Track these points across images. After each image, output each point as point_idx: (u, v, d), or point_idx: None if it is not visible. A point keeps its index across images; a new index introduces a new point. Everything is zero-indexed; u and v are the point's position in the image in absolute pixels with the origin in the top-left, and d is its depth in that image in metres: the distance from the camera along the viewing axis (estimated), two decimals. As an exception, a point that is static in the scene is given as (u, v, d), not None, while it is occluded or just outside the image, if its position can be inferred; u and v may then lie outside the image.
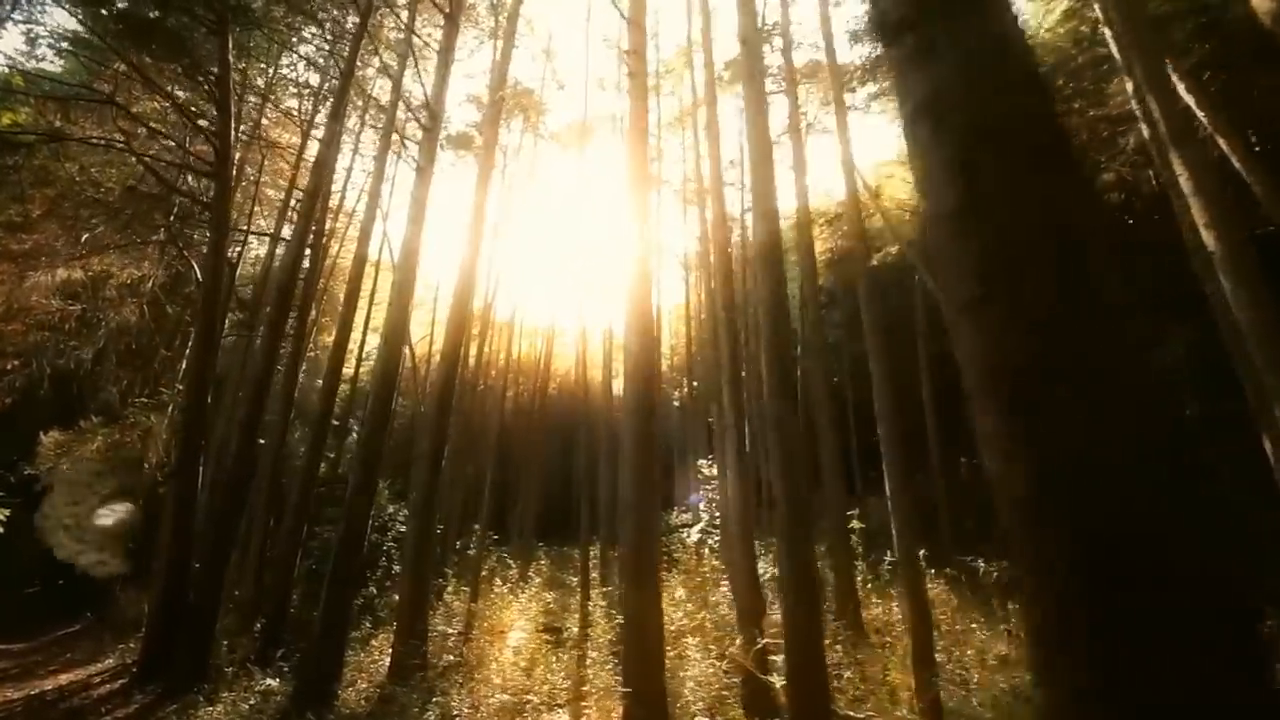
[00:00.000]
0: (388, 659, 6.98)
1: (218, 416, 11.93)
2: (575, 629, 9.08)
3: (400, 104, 10.40)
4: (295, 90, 13.37)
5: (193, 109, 9.45)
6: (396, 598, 8.37)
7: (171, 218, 9.86)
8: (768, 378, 4.64)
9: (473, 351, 17.89)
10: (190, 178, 9.54)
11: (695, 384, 22.19)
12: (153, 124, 8.94)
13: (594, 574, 13.50)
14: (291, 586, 8.74)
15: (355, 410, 24.31)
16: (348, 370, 25.52)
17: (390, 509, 11.72)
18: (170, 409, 9.84)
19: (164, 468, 9.75)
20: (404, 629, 6.52)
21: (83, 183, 9.27)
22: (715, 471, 18.73)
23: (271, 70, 12.54)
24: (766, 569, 11.37)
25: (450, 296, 12.46)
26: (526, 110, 20.85)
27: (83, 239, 8.90)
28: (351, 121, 15.03)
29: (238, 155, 10.74)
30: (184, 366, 10.40)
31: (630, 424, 4.96)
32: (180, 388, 10.09)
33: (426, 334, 21.69)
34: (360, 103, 14.67)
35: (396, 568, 11.33)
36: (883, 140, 20.88)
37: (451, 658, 7.01)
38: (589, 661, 7.03)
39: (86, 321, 10.46)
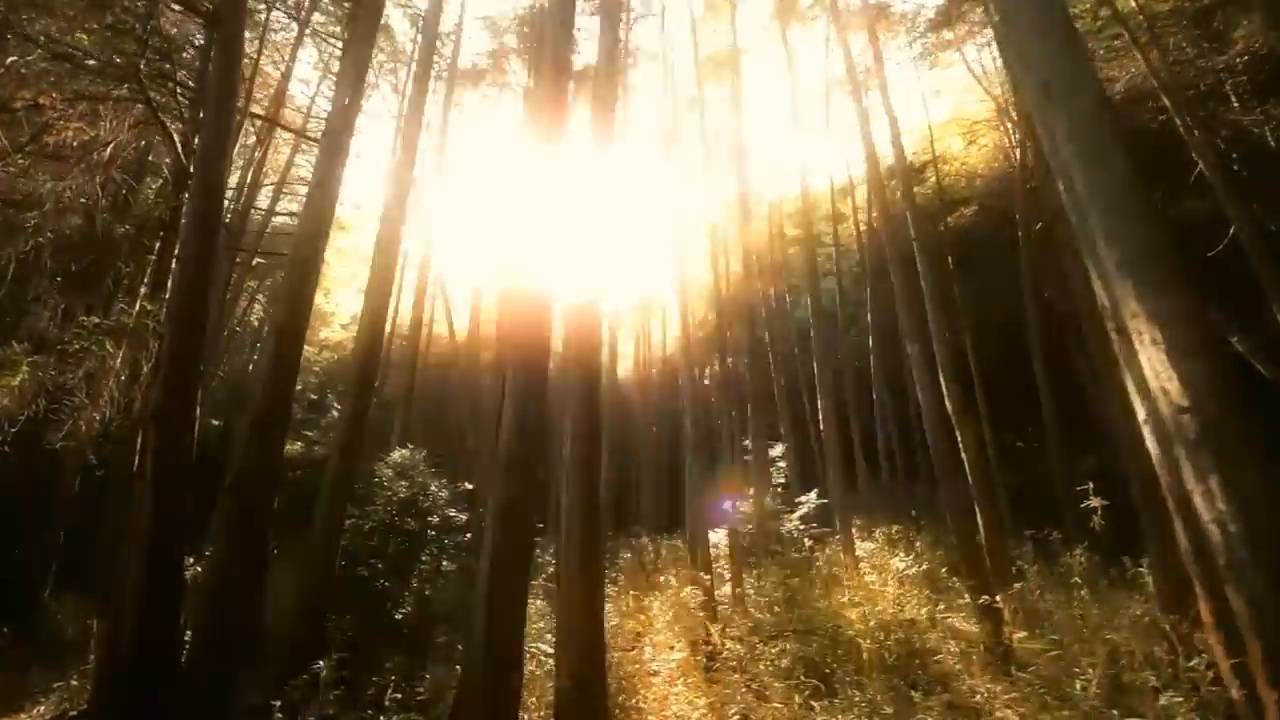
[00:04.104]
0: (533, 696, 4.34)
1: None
2: (727, 644, 6.60)
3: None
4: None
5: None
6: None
7: (144, 64, 6.79)
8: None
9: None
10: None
11: (729, 360, 19.99)
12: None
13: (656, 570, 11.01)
14: (329, 598, 5.91)
15: (336, 384, 20.91)
16: (329, 336, 22.00)
17: (432, 488, 8.87)
18: (130, 329, 6.74)
19: (126, 412, 6.72)
20: (576, 654, 3.91)
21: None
22: (780, 453, 16.45)
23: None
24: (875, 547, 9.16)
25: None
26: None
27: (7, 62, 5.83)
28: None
29: None
30: (157, 268, 7.32)
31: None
32: (146, 305, 7.01)
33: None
34: None
35: (447, 564, 8.54)
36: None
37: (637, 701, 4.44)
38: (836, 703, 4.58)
39: (6, 214, 7.25)
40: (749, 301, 21.35)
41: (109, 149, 6.82)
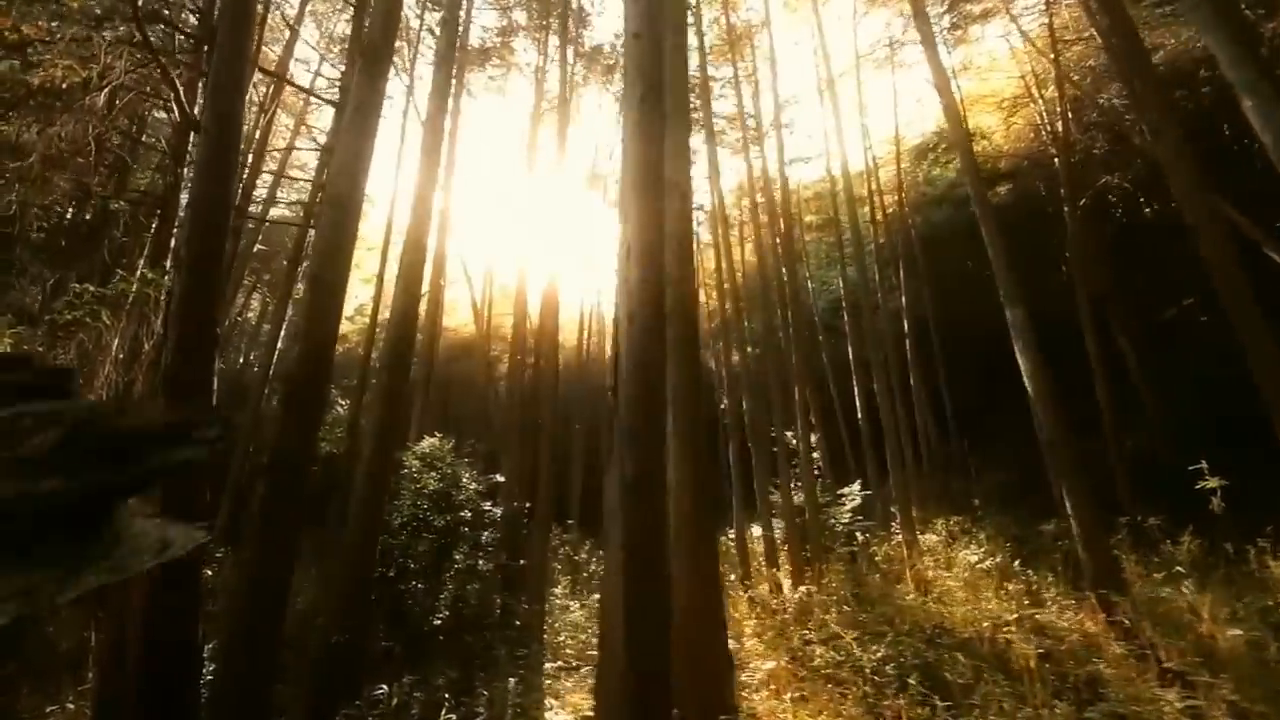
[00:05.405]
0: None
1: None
2: (818, 649, 5.85)
3: None
4: None
5: None
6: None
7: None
8: None
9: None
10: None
11: (754, 350, 19.18)
12: None
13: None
14: (367, 603, 5.09)
15: (340, 378, 19.94)
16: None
17: (464, 479, 8.05)
18: (131, 299, 5.89)
19: (127, 393, 5.88)
20: (699, 666, 3.13)
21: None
22: (813, 443, 15.63)
23: None
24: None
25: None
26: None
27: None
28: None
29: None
30: (157, 239, 6.53)
31: None
32: (148, 274, 6.15)
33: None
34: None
35: (482, 562, 7.73)
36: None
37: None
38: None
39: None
40: (771, 288, 20.61)
41: (102, 95, 5.98)
